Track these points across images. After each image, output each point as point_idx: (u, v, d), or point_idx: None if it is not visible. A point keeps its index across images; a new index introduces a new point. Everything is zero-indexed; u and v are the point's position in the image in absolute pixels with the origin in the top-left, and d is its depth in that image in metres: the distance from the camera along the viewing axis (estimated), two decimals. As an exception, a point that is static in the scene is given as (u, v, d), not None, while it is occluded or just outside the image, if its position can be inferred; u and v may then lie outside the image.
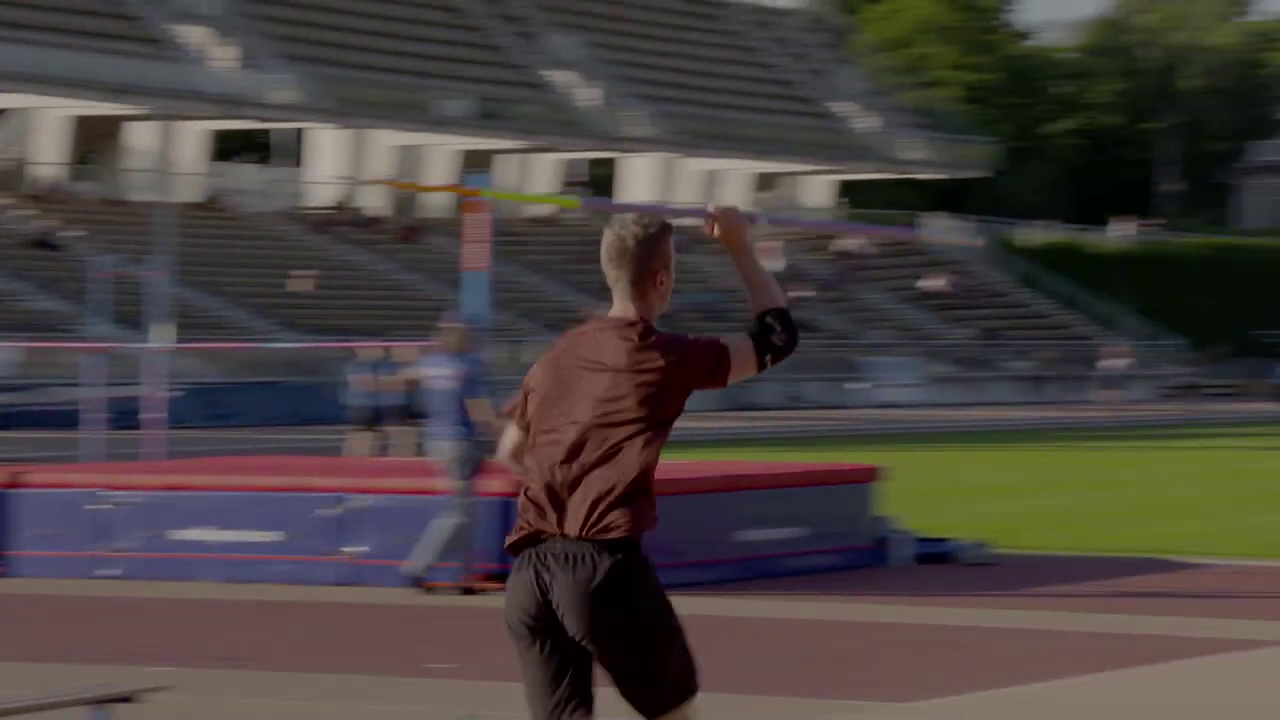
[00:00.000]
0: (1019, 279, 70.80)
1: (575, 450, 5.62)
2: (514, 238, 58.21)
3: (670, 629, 5.60)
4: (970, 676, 10.51)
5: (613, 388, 5.63)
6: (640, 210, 5.84)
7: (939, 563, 15.62)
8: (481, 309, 15.80)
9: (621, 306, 5.72)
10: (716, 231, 5.77)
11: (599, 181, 72.36)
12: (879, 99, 79.91)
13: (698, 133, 70.40)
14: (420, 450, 22.21)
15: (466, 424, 13.67)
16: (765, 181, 75.25)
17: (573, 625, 5.55)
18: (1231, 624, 12.53)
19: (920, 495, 21.73)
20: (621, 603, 5.52)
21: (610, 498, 5.56)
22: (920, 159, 77.63)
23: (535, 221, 64.80)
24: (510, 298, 52.98)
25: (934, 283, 66.99)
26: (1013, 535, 17.28)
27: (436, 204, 64.05)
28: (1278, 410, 51.57)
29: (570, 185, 70.70)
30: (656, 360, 5.63)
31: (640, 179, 71.44)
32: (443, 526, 13.47)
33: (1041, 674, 10.60)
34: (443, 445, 13.73)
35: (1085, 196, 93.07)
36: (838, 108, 77.90)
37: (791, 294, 63.08)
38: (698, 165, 72.23)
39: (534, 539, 5.62)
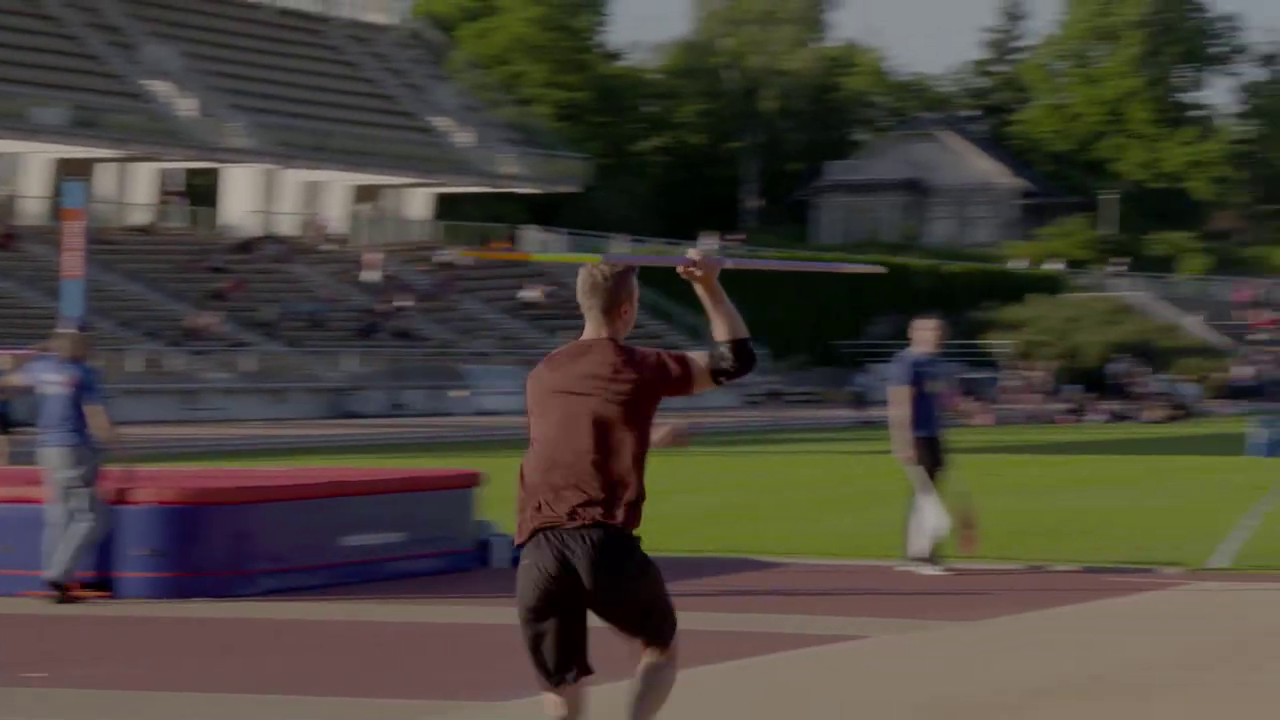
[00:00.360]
0: (611, 290, 71.55)
1: (578, 450, 6.58)
2: (111, 246, 56.74)
3: (663, 586, 6.87)
4: (569, 674, 10.52)
5: (605, 396, 6.58)
6: (646, 262, 7.09)
7: (537, 564, 15.65)
8: (78, 316, 15.30)
9: (595, 330, 6.70)
10: (699, 273, 6.62)
11: (199, 191, 71.02)
12: (476, 114, 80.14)
13: (298, 144, 69.60)
14: (14, 458, 21.44)
15: (80, 431, 13.26)
16: (365, 193, 74.83)
17: (594, 589, 6.65)
18: (816, 620, 12.82)
19: (518, 499, 21.76)
20: (634, 568, 6.71)
21: (610, 489, 6.59)
22: (515, 174, 78.07)
23: (132, 230, 63.30)
24: (108, 306, 51.62)
25: (531, 294, 67.43)
26: (608, 537, 17.43)
27: (32, 211, 62.07)
28: (855, 416, 53.14)
29: (168, 194, 69.24)
30: (639, 372, 6.59)
31: (241, 189, 70.35)
32: (77, 532, 13.08)
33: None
34: (54, 452, 13.29)
35: (674, 212, 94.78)
36: (436, 122, 77.85)
37: (394, 303, 62.96)
38: (298, 176, 71.45)
39: (543, 526, 6.59)
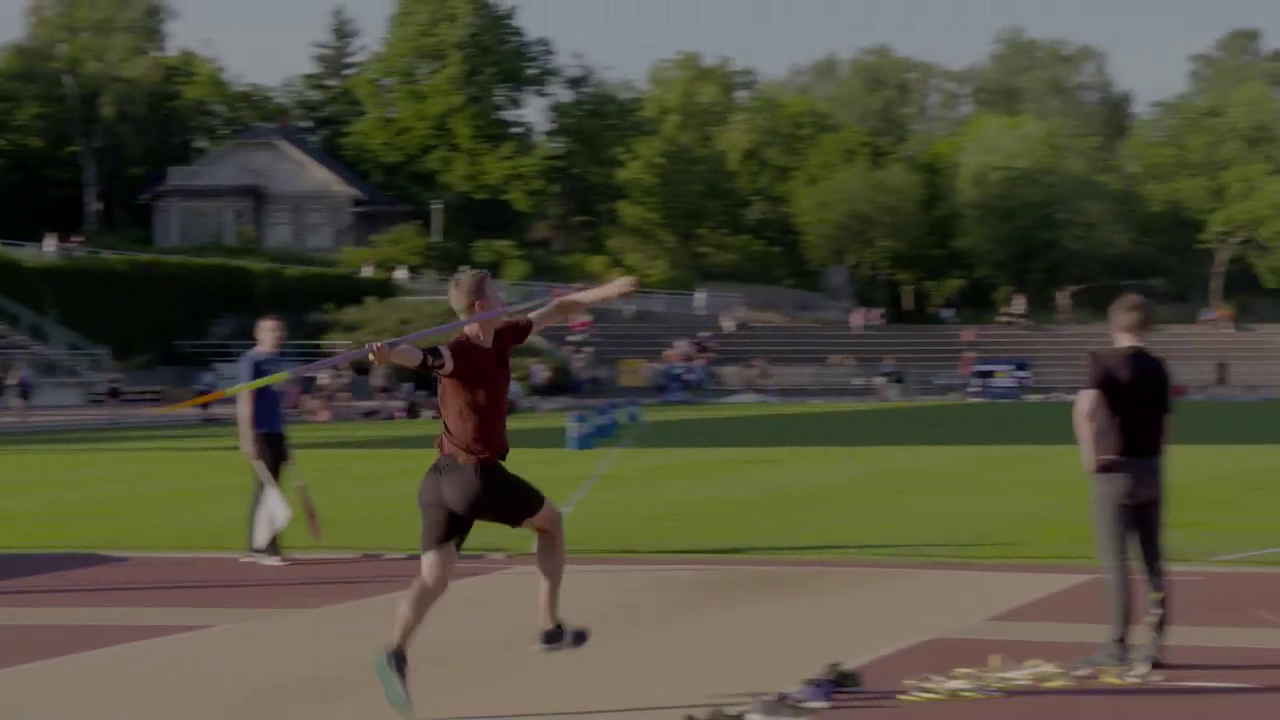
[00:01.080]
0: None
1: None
2: None
3: (497, 501, 9.12)
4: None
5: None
6: (335, 363, 10.24)
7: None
8: None
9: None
10: (380, 360, 8.61)
11: None
12: None
13: None
14: None
15: None
16: None
17: (451, 501, 9.12)
18: (160, 611, 12.59)
19: None
20: (462, 487, 9.06)
21: (446, 434, 9.10)
22: None
23: None
24: None
25: None
26: (-51, 538, 16.64)
27: None
28: (199, 415, 52.34)
29: None
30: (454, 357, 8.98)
31: None
32: None
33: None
34: None
35: (13, 214, 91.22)
36: None
37: None
38: None
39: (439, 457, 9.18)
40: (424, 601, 9.35)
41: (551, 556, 9.36)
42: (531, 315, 9.44)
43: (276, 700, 9.43)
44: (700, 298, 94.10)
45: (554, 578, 9.39)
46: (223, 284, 76.01)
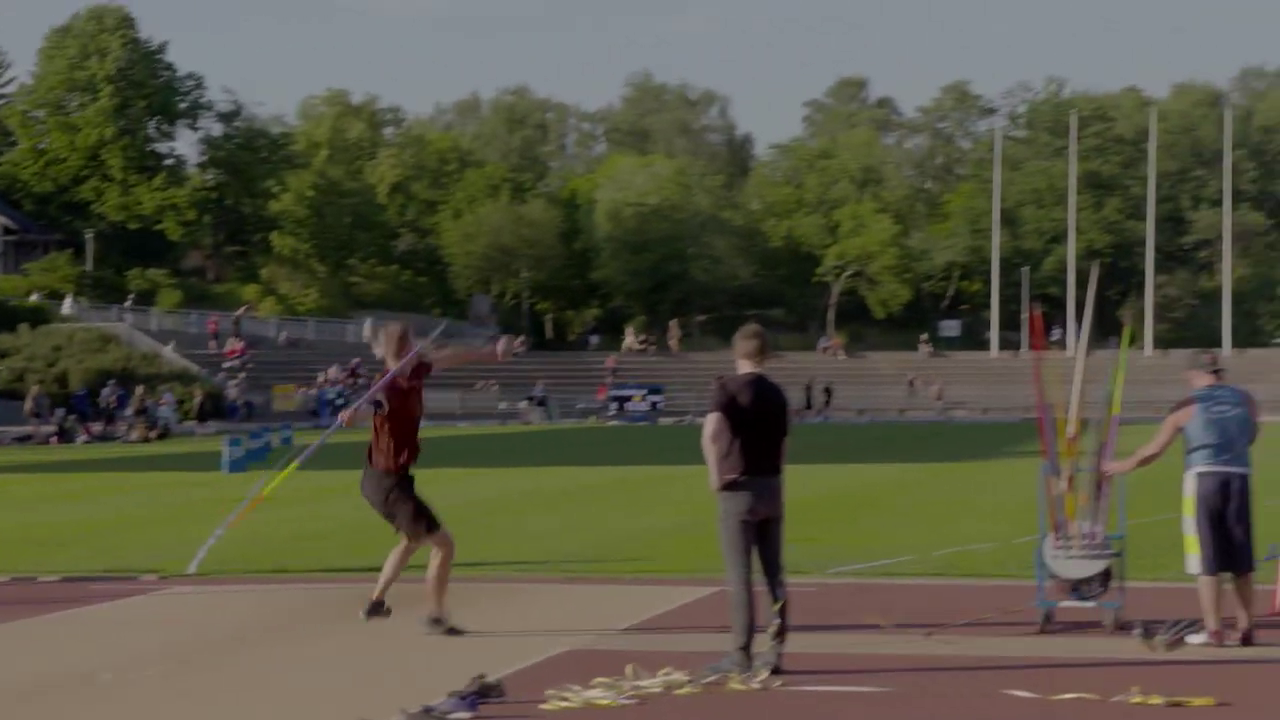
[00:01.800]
0: None
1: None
2: None
3: (393, 506, 11.57)
4: None
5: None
6: (326, 435, 13.29)
7: None
8: None
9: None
10: (348, 426, 11.76)
11: None
12: None
13: None
14: None
15: None
16: None
17: (368, 495, 11.75)
18: None
19: None
20: (376, 489, 11.56)
21: (376, 448, 11.52)
22: None
23: None
24: None
25: None
26: None
27: None
28: None
29: None
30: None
31: None
32: None
33: None
34: None
35: None
36: None
37: None
38: None
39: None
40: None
41: (440, 568, 11.77)
42: (435, 358, 11.86)
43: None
44: (368, 326, 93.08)
45: (437, 586, 11.76)
46: None
